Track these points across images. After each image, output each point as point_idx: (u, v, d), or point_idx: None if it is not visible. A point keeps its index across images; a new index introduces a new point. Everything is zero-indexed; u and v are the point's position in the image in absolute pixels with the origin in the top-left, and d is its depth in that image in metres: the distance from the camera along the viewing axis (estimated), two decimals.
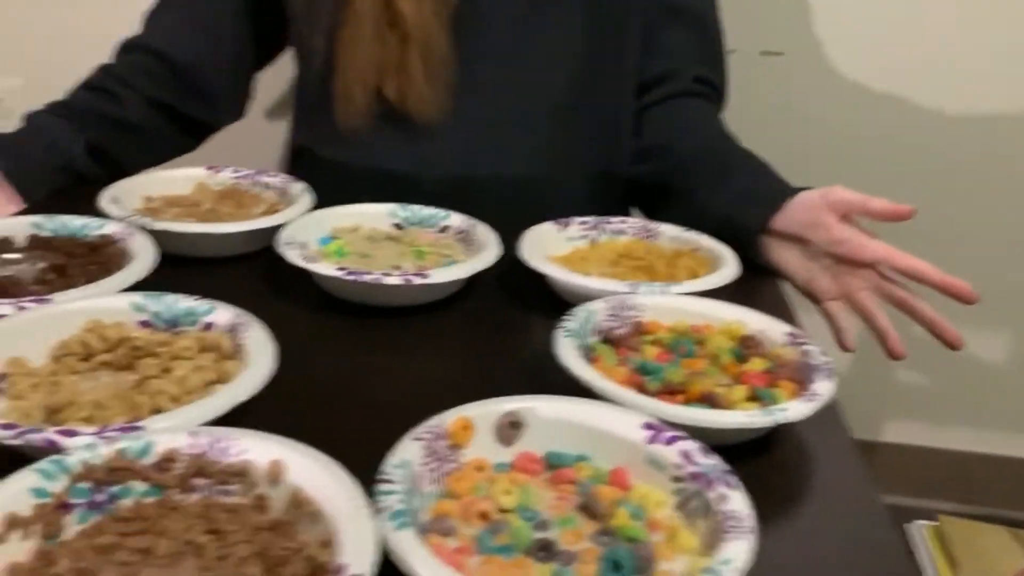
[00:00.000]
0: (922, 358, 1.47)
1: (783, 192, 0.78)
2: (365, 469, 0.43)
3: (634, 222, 0.80)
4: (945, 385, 1.52)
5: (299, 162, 0.98)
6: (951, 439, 1.55)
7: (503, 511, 0.44)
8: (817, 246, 0.75)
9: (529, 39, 0.88)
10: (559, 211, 0.86)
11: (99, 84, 0.89)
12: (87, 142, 0.84)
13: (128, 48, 0.92)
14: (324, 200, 0.80)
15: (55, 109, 0.86)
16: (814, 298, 0.78)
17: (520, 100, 0.90)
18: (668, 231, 0.79)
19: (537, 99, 0.90)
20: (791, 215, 0.76)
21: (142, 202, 0.79)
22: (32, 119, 0.85)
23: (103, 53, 1.22)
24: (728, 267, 0.71)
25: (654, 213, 0.94)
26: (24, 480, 0.40)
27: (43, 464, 0.41)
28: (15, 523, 0.38)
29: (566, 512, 0.44)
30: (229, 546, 0.39)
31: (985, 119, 1.33)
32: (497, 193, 0.90)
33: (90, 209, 0.73)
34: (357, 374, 0.60)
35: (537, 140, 0.91)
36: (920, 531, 1.46)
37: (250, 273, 0.73)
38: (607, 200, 0.96)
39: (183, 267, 0.69)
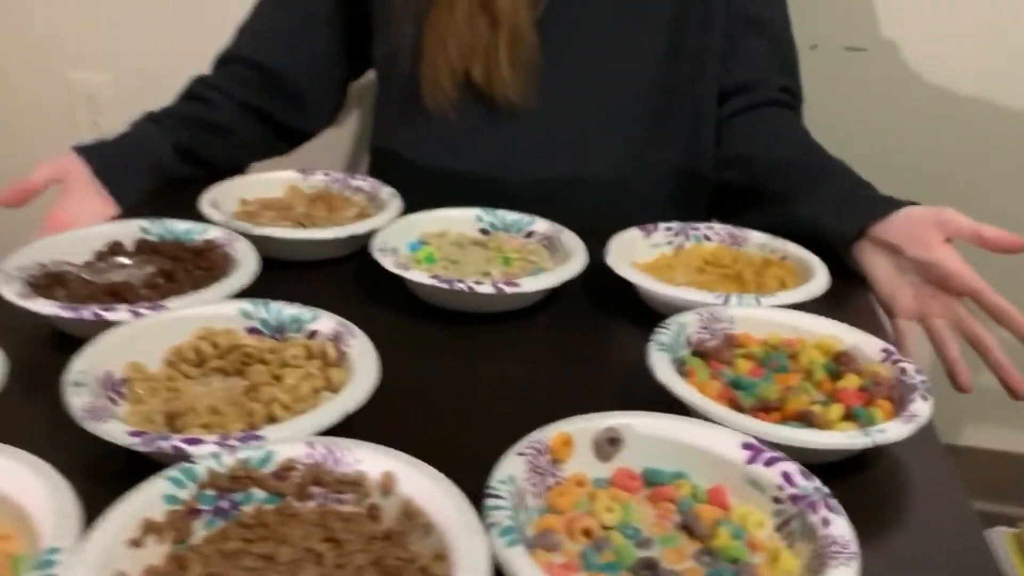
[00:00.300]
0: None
1: (888, 202, 0.77)
2: (465, 479, 0.44)
3: (720, 228, 0.80)
4: None
5: (380, 163, 1.00)
6: None
7: (605, 528, 0.45)
8: (910, 261, 0.74)
9: (614, 40, 0.89)
10: (639, 213, 0.87)
11: (191, 91, 0.93)
12: (174, 143, 0.87)
13: (223, 60, 0.96)
14: (406, 200, 0.82)
15: (147, 116, 0.89)
16: (891, 311, 0.77)
17: (602, 99, 0.91)
18: (755, 238, 0.78)
19: (619, 99, 0.91)
20: (895, 224, 0.75)
21: (238, 205, 0.81)
22: (131, 128, 0.88)
23: (190, 49, 1.26)
24: (819, 278, 0.70)
25: (735, 218, 0.94)
26: (157, 487, 0.42)
27: (173, 472, 0.43)
28: (150, 528, 0.41)
29: (667, 530, 0.45)
30: (346, 555, 0.41)
31: None
32: (577, 194, 0.91)
33: (190, 210, 0.76)
34: (450, 381, 0.62)
35: (617, 140, 0.91)
36: (1000, 537, 1.43)
37: (344, 277, 0.75)
38: (688, 203, 0.96)
39: (279, 271, 0.72)
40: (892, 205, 0.77)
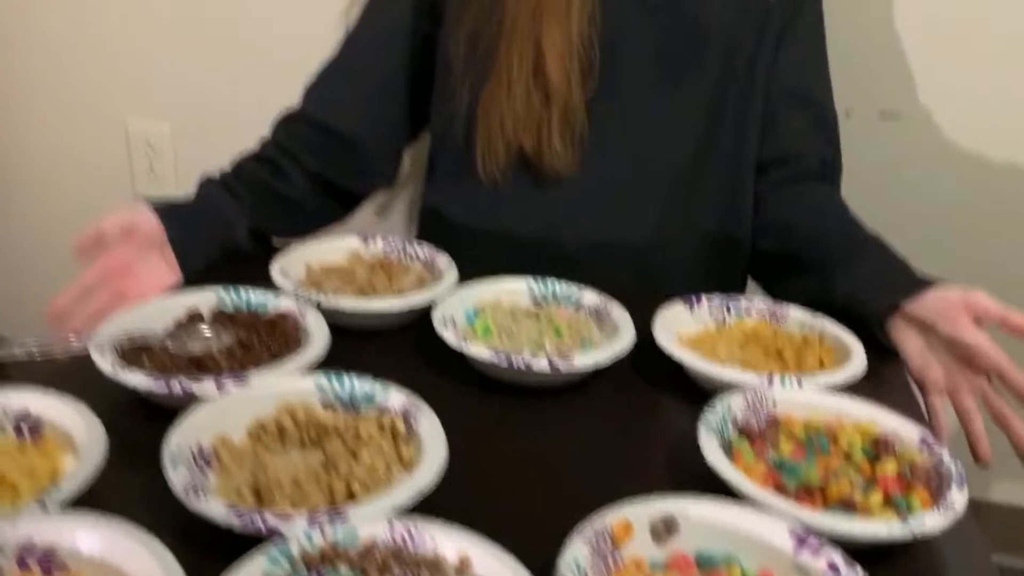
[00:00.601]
0: None
1: (921, 281, 0.81)
2: (529, 553, 0.48)
3: (760, 303, 0.84)
4: None
5: (429, 224, 1.05)
6: None
7: None
8: (941, 339, 0.78)
9: (659, 110, 0.94)
10: (678, 276, 0.92)
11: (266, 155, 0.96)
12: (250, 227, 0.91)
13: (290, 120, 0.99)
14: (454, 259, 0.87)
15: (226, 181, 0.93)
16: (922, 386, 0.81)
17: (644, 167, 0.96)
18: (794, 315, 0.82)
19: (660, 167, 0.95)
20: (927, 303, 0.79)
21: (304, 271, 0.86)
22: (204, 191, 0.92)
23: (247, 97, 1.31)
24: (856, 358, 0.74)
25: (773, 285, 0.98)
26: (257, 564, 0.46)
27: (271, 550, 0.47)
28: None
29: None
30: None
31: None
32: (618, 258, 0.96)
33: (256, 273, 0.81)
34: (510, 455, 0.66)
35: (658, 206, 0.96)
36: None
37: (405, 345, 0.79)
38: (725, 269, 1.01)
39: (344, 338, 0.76)
40: (925, 284, 0.80)
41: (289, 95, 1.30)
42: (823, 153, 0.98)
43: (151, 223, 0.83)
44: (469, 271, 0.86)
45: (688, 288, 0.87)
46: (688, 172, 0.96)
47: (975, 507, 1.60)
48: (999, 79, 1.29)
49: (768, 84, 0.97)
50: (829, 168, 0.98)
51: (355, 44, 1.00)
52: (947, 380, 0.79)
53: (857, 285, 0.84)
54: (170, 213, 0.85)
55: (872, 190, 1.28)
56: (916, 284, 0.81)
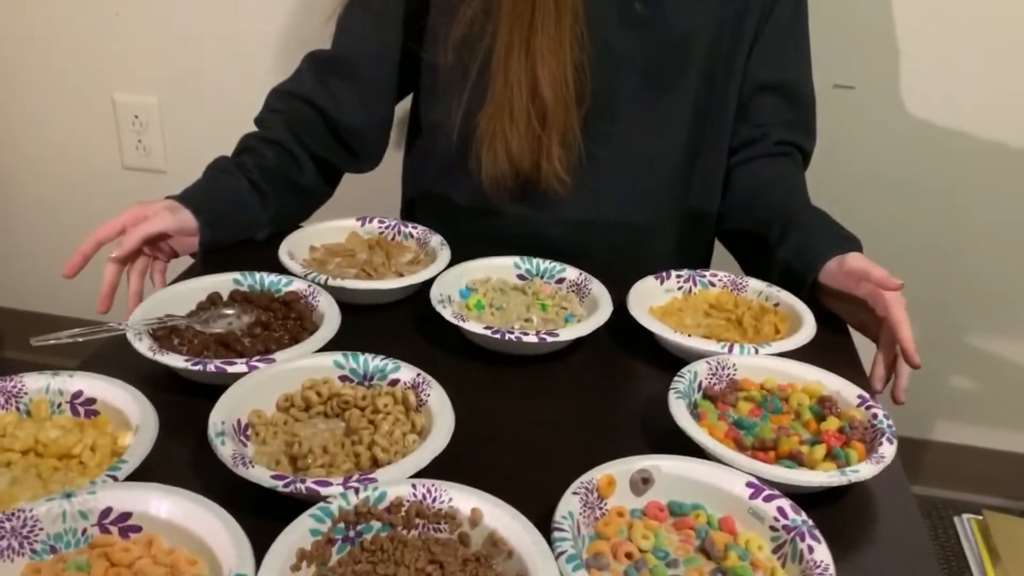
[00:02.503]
0: (973, 364, 1.59)
1: (831, 250, 0.90)
2: (528, 506, 0.58)
3: (723, 275, 0.93)
4: (994, 389, 1.63)
5: (418, 202, 1.13)
6: (999, 440, 1.67)
7: (642, 551, 0.58)
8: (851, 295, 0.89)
9: (649, 121, 1.01)
10: (657, 255, 1.01)
11: (278, 139, 1.01)
12: (270, 222, 0.99)
13: (291, 96, 1.04)
14: (444, 232, 0.96)
15: (246, 170, 0.98)
16: (868, 326, 0.90)
17: (636, 174, 1.04)
18: (753, 285, 0.92)
19: (651, 171, 1.04)
20: (832, 275, 0.89)
21: (309, 251, 0.94)
22: (230, 185, 0.96)
23: (231, 71, 1.33)
24: (807, 326, 0.84)
25: (740, 260, 1.08)
26: (304, 524, 0.55)
27: (315, 511, 0.56)
28: (304, 556, 0.54)
29: (689, 553, 0.59)
30: (449, 574, 0.55)
31: None
32: (605, 247, 1.05)
33: (264, 253, 0.90)
34: (504, 420, 0.75)
35: (647, 203, 1.05)
36: (966, 524, 1.59)
37: (404, 320, 0.88)
38: (697, 244, 1.12)
39: (349, 314, 0.84)
40: (824, 258, 0.90)
41: (274, 69, 1.35)
42: (785, 134, 1.06)
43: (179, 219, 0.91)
44: (459, 246, 0.94)
45: (664, 263, 0.96)
46: (675, 172, 1.05)
47: (920, 446, 1.74)
48: (948, 49, 1.38)
49: (744, 75, 1.04)
50: (790, 145, 1.06)
51: (348, 39, 1.05)
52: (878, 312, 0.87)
53: (789, 259, 0.93)
54: (199, 204, 0.92)
55: (826, 157, 1.38)
56: (828, 253, 0.90)
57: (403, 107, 1.12)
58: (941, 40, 1.37)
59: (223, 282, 0.85)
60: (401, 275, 0.90)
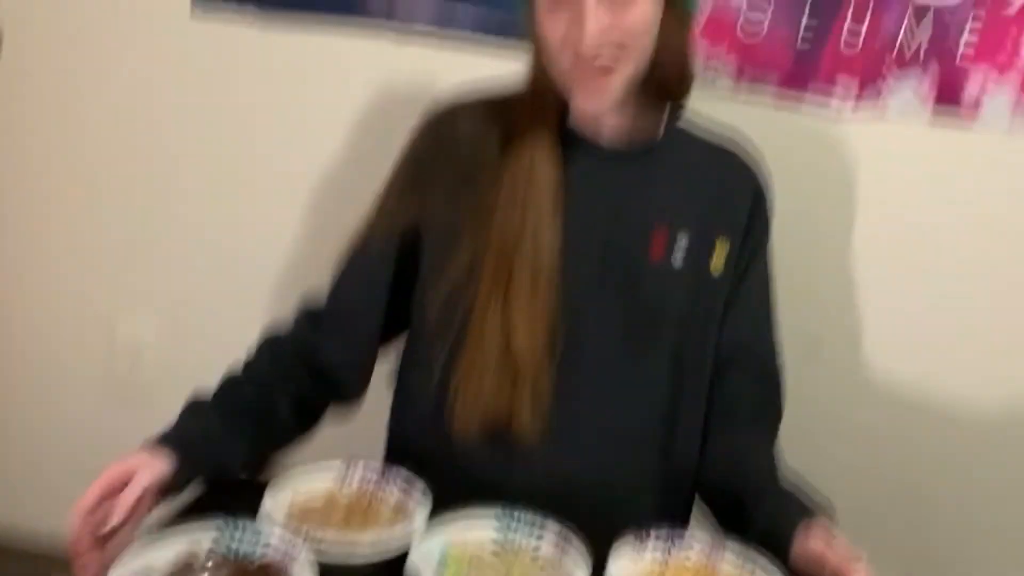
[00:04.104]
0: None
1: (791, 532, 0.91)
2: None
3: (702, 538, 0.93)
4: None
5: (398, 449, 1.15)
6: None
7: None
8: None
9: (622, 382, 1.05)
10: (631, 511, 1.03)
11: (263, 391, 1.04)
12: (245, 461, 1.00)
13: (277, 343, 1.09)
14: (423, 472, 0.97)
15: (224, 414, 1.00)
16: None
17: (610, 432, 1.06)
18: (730, 556, 0.91)
19: (626, 432, 1.06)
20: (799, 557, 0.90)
21: (286, 514, 0.93)
22: (202, 420, 0.99)
23: (227, 305, 1.38)
24: None
25: (718, 521, 1.09)
26: None
27: None
28: None
29: None
30: None
31: None
32: (578, 502, 1.03)
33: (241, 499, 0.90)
34: None
35: (621, 462, 1.06)
36: None
37: None
38: (674, 501, 1.12)
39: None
40: (792, 535, 0.90)
41: (270, 302, 1.40)
42: (759, 406, 1.10)
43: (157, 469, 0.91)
44: (440, 494, 0.95)
45: (641, 516, 0.97)
46: (651, 434, 1.07)
47: None
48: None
49: (718, 341, 1.09)
50: (765, 416, 1.11)
51: (344, 295, 1.12)
52: None
53: (760, 539, 0.93)
54: (174, 455, 0.93)
55: None
56: (787, 535, 0.91)
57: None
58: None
59: (199, 545, 0.84)
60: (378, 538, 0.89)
